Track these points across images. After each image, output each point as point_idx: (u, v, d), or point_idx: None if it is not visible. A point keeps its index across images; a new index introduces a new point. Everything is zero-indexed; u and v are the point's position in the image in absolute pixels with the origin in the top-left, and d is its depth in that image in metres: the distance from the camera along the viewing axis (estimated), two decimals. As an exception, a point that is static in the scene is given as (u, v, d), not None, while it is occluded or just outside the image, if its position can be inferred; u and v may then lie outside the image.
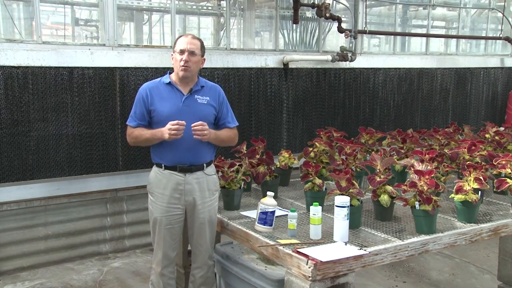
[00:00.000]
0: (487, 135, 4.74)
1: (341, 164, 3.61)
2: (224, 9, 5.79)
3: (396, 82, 6.80)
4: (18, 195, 4.45)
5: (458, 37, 7.66)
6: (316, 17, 6.05)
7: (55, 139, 4.56)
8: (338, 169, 3.28)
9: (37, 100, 4.44)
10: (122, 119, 4.80)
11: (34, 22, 4.59)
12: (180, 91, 3.15)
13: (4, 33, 5.04)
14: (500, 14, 7.73)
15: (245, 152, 3.73)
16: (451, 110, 7.46)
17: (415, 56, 7.08)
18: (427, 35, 7.25)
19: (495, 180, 3.49)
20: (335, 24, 6.10)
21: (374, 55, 6.66)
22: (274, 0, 5.87)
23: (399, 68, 6.81)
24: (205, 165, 3.20)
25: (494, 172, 3.67)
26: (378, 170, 3.26)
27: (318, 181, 3.35)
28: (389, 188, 3.14)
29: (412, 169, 3.17)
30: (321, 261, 2.49)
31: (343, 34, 6.13)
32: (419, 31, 8.10)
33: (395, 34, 7.08)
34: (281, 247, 2.73)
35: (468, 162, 3.51)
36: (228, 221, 3.25)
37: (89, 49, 4.68)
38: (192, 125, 3.01)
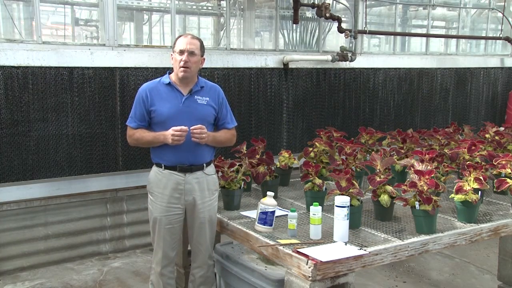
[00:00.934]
0: (487, 135, 4.74)
1: (341, 164, 3.61)
2: (224, 9, 5.79)
3: (396, 82, 6.80)
4: (18, 195, 4.45)
5: (458, 37, 7.66)
6: (316, 17, 6.05)
7: (55, 139, 4.56)
8: (338, 169, 3.28)
9: (37, 100, 4.44)
10: (122, 119, 4.80)
11: (34, 22, 4.59)
12: (180, 91, 3.15)
13: (4, 33, 5.04)
14: (500, 14, 7.73)
15: (245, 152, 3.73)
16: (451, 110, 7.46)
17: (415, 56, 7.08)
18: (427, 35, 7.25)
19: (495, 180, 3.49)
20: (335, 24, 6.10)
21: (374, 55, 6.66)
22: (274, 0, 5.87)
23: (399, 68, 6.81)
24: (205, 165, 3.21)
25: (494, 172, 3.67)
26: (378, 170, 3.26)
27: (318, 181, 3.35)
28: (389, 188, 3.14)
29: (412, 169, 3.17)
30: (321, 261, 2.49)
31: (343, 34, 6.13)
32: (419, 31, 8.10)
33: (395, 34, 7.08)
34: (281, 247, 2.73)
35: (468, 162, 3.51)
36: (228, 221, 3.25)
37: (89, 49, 4.68)
38: (191, 128, 3.02)
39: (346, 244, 2.75)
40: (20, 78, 4.35)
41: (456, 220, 3.19)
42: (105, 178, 4.84)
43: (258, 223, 3.02)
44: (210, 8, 6.82)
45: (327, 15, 5.83)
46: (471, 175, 3.21)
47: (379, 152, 3.78)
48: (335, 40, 6.63)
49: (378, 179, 3.15)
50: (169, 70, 3.28)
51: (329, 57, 5.99)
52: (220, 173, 3.50)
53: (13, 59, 4.30)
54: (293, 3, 5.77)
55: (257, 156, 3.78)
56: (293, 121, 5.96)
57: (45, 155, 4.53)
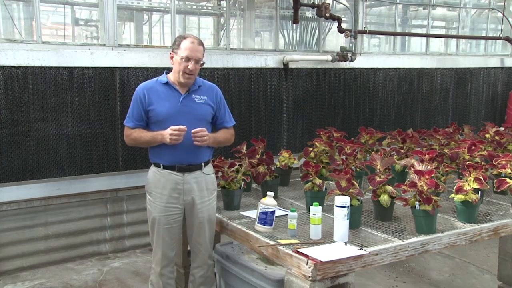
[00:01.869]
0: (487, 135, 4.74)
1: (341, 164, 3.61)
2: (224, 9, 5.79)
3: (396, 82, 6.80)
4: (18, 195, 4.45)
5: (458, 37, 7.66)
6: (316, 17, 6.05)
7: (55, 139, 4.56)
8: (338, 169, 3.28)
9: (37, 100, 4.44)
10: (122, 119, 4.75)
11: (34, 22, 4.59)
12: (178, 90, 3.15)
13: (4, 33, 5.04)
14: (500, 14, 7.73)
15: (245, 152, 3.73)
16: (451, 110, 7.46)
17: (415, 56, 7.08)
18: (427, 35, 7.24)
19: (495, 180, 3.49)
20: (335, 24, 6.10)
21: (374, 55, 6.66)
22: (274, 0, 5.87)
23: (399, 68, 6.81)
24: (203, 164, 3.21)
25: (494, 172, 3.67)
26: (378, 170, 3.26)
27: (318, 181, 3.35)
28: (389, 188, 3.14)
29: (412, 169, 3.17)
30: (321, 261, 2.49)
31: (343, 34, 6.13)
32: (419, 31, 8.09)
33: (395, 34, 7.08)
34: (281, 247, 2.73)
35: (468, 162, 3.50)
36: (228, 221, 3.25)
37: (89, 49, 4.68)
38: (192, 131, 3.02)
39: (346, 244, 2.75)
40: (20, 78, 4.35)
41: (456, 220, 3.19)
42: (105, 178, 4.84)
43: (258, 223, 3.02)
44: (210, 8, 6.82)
45: (327, 15, 5.83)
46: (471, 175, 3.21)
47: (379, 152, 3.79)
48: (335, 40, 6.63)
49: (378, 179, 3.15)
50: (166, 70, 3.28)
51: (329, 57, 5.99)
52: (220, 173, 3.50)
53: (13, 59, 4.30)
54: (293, 3, 5.77)
55: (257, 156, 3.78)
56: (293, 121, 5.96)
57: (45, 155, 4.53)
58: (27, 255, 4.59)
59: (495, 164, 3.67)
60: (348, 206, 2.81)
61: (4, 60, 4.26)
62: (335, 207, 2.81)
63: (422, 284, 4.37)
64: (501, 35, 7.74)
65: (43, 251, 4.66)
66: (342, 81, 6.28)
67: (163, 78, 3.19)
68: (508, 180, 3.38)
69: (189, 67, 3.06)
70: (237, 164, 3.61)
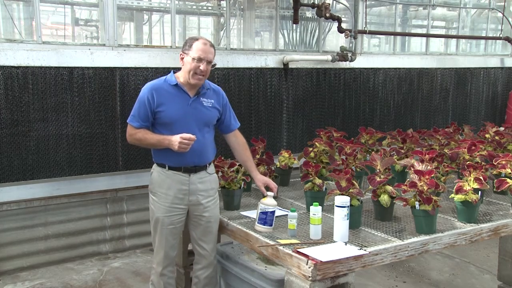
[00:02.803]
0: (487, 135, 4.73)
1: (341, 164, 3.61)
2: (224, 9, 5.79)
3: (396, 82, 6.80)
4: (18, 195, 4.45)
5: (458, 37, 7.66)
6: (316, 17, 6.05)
7: (55, 139, 4.56)
8: (338, 169, 3.27)
9: (37, 100, 4.44)
10: (122, 119, 4.80)
11: (34, 22, 4.59)
12: (187, 93, 3.12)
13: (4, 33, 5.04)
14: (500, 14, 7.73)
15: (245, 152, 3.72)
16: (451, 110, 7.46)
17: (415, 56, 7.08)
18: (427, 35, 7.25)
19: (495, 180, 3.48)
20: (335, 24, 6.10)
21: (374, 55, 6.66)
22: (274, 0, 5.87)
23: (399, 68, 6.81)
24: (207, 164, 3.21)
25: (494, 172, 3.67)
26: (378, 170, 3.26)
27: (318, 181, 3.35)
28: (389, 188, 3.14)
29: (412, 169, 3.17)
30: (321, 261, 2.49)
31: (343, 34, 6.13)
32: (419, 31, 8.09)
33: (395, 34, 7.08)
34: (281, 247, 2.73)
35: (468, 162, 3.50)
36: (228, 221, 3.25)
37: (89, 49, 4.68)
38: (184, 136, 2.96)
39: (346, 244, 2.75)
40: (20, 78, 4.35)
41: (456, 220, 3.19)
42: (105, 178, 4.84)
43: (258, 223, 3.01)
44: (210, 8, 6.82)
45: (327, 15, 5.83)
46: (471, 175, 3.21)
47: (379, 152, 3.78)
48: (335, 40, 6.63)
49: (378, 179, 3.15)
50: (174, 70, 3.22)
51: (329, 57, 5.99)
52: (220, 173, 3.49)
53: (13, 59, 4.30)
54: (293, 3, 5.77)
55: (257, 156, 3.78)
56: (293, 121, 5.96)
57: (45, 155, 4.53)
58: (27, 255, 4.59)
59: (495, 164, 3.66)
60: (348, 206, 2.81)
61: (4, 60, 4.26)
62: (335, 207, 2.81)
63: (422, 284, 4.37)
64: (501, 35, 7.74)
65: (43, 251, 4.66)
66: (342, 81, 6.28)
67: (171, 79, 3.13)
68: (508, 180, 3.38)
69: (201, 67, 3.05)
70: (237, 164, 3.61)
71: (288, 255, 2.65)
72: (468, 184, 3.17)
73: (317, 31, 6.29)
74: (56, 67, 4.48)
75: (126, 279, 4.44)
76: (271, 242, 2.83)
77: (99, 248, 4.94)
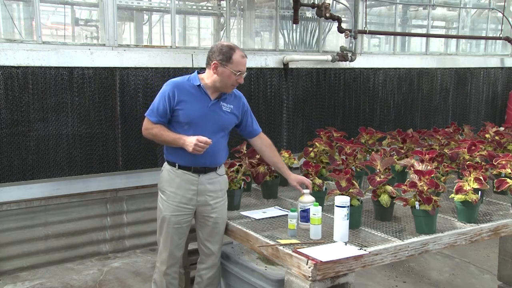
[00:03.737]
0: (487, 135, 4.73)
1: (341, 164, 3.61)
2: (224, 9, 5.79)
3: (396, 82, 6.80)
4: (18, 195, 4.45)
5: (458, 37, 7.66)
6: (316, 17, 6.05)
7: (55, 139, 4.56)
8: (338, 169, 3.28)
9: (37, 100, 4.44)
10: (122, 119, 4.80)
11: (34, 22, 4.59)
12: (208, 95, 3.11)
13: (4, 33, 5.04)
14: (500, 14, 7.73)
15: (245, 152, 3.73)
16: (451, 110, 7.46)
17: (415, 56, 7.08)
18: (427, 35, 7.25)
19: (495, 180, 3.49)
20: (335, 24, 6.10)
21: (374, 55, 6.66)
22: (274, 0, 5.87)
23: (399, 68, 6.81)
24: (218, 166, 3.20)
25: (494, 172, 3.67)
26: (378, 170, 3.26)
27: (318, 181, 3.35)
28: (389, 188, 3.14)
29: (412, 169, 3.17)
30: (321, 261, 2.49)
31: (343, 34, 6.13)
32: (419, 31, 8.10)
33: (395, 34, 7.08)
34: (281, 247, 2.73)
35: (468, 162, 3.50)
36: (228, 221, 3.25)
37: (89, 49, 4.68)
38: (201, 139, 2.96)
39: (346, 244, 2.75)
40: (20, 78, 4.35)
41: (456, 220, 3.19)
42: (105, 178, 4.84)
43: (300, 221, 3.02)
44: (210, 8, 6.82)
45: (327, 15, 5.83)
46: (471, 175, 3.21)
47: (379, 152, 3.78)
48: (335, 40, 6.63)
49: (378, 179, 3.15)
50: (198, 70, 3.21)
51: (329, 57, 5.99)
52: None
53: (13, 59, 4.30)
54: (293, 3, 5.77)
55: (257, 156, 3.77)
56: (293, 121, 5.96)
57: (45, 155, 4.53)
58: (27, 255, 4.59)
59: (495, 164, 3.66)
60: (348, 206, 2.81)
61: (4, 60, 4.26)
62: (335, 207, 2.81)
63: (422, 284, 4.37)
64: (501, 35, 7.74)
65: (43, 251, 4.66)
66: (342, 81, 6.28)
67: (195, 79, 3.12)
68: (508, 180, 3.38)
69: (238, 80, 3.10)
70: (237, 164, 3.61)
71: (288, 255, 2.65)
72: (468, 184, 3.17)
73: (317, 31, 6.29)
74: (56, 67, 4.48)
75: (126, 279, 4.44)
76: (271, 242, 2.83)
77: (99, 248, 4.94)
